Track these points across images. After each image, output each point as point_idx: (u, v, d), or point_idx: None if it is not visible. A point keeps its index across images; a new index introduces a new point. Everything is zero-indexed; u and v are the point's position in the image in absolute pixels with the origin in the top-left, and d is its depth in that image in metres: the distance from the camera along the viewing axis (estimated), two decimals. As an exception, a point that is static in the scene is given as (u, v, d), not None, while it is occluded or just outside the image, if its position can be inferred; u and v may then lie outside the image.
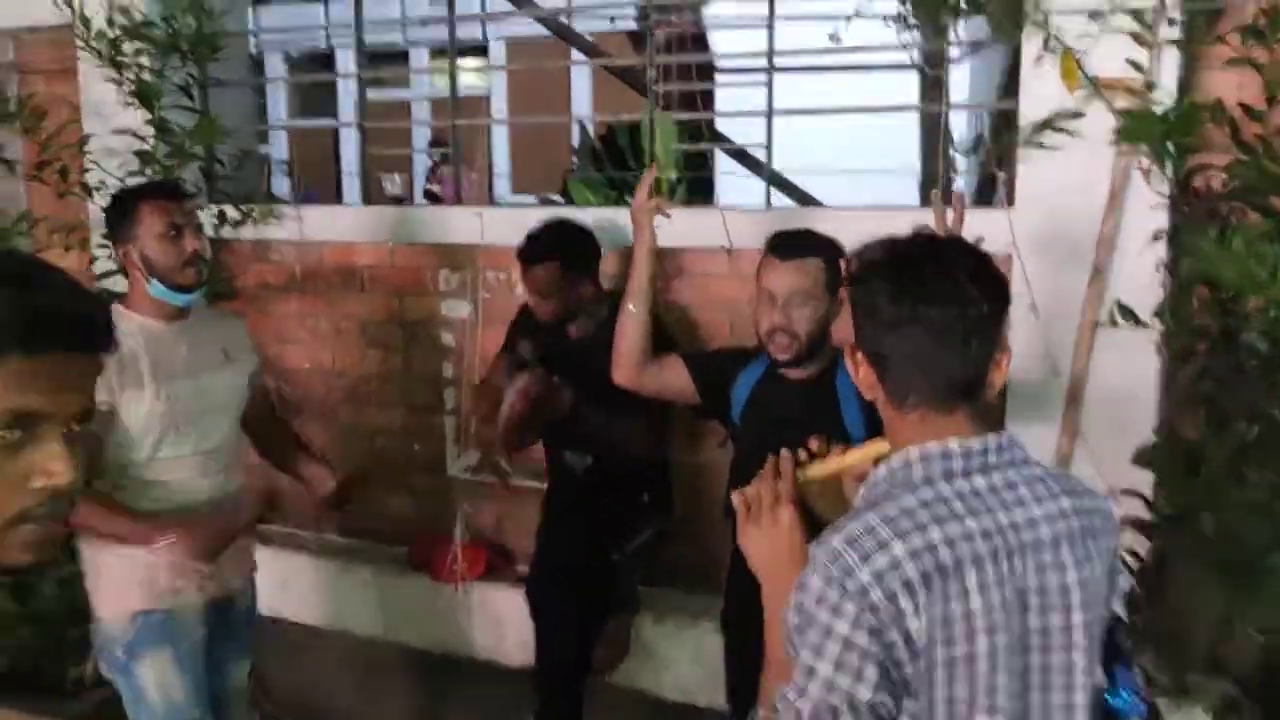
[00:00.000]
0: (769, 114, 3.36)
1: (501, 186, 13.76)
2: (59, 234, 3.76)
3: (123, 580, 2.56)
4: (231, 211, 3.79)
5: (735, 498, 1.48)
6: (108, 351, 1.02)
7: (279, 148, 15.09)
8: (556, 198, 9.88)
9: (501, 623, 3.58)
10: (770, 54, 3.36)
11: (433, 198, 9.90)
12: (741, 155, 6.20)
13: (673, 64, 4.26)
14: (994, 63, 7.09)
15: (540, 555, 3.23)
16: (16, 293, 0.95)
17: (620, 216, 2.94)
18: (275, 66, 14.93)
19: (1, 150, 3.57)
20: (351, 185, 11.47)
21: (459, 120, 3.78)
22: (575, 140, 10.10)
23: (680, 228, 3.28)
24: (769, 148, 3.48)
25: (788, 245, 2.38)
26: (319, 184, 10.95)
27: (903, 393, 1.35)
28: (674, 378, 2.63)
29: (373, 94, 4.07)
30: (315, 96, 14.64)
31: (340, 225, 3.89)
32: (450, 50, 3.81)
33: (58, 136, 3.65)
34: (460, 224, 3.61)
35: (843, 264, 1.47)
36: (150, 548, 2.53)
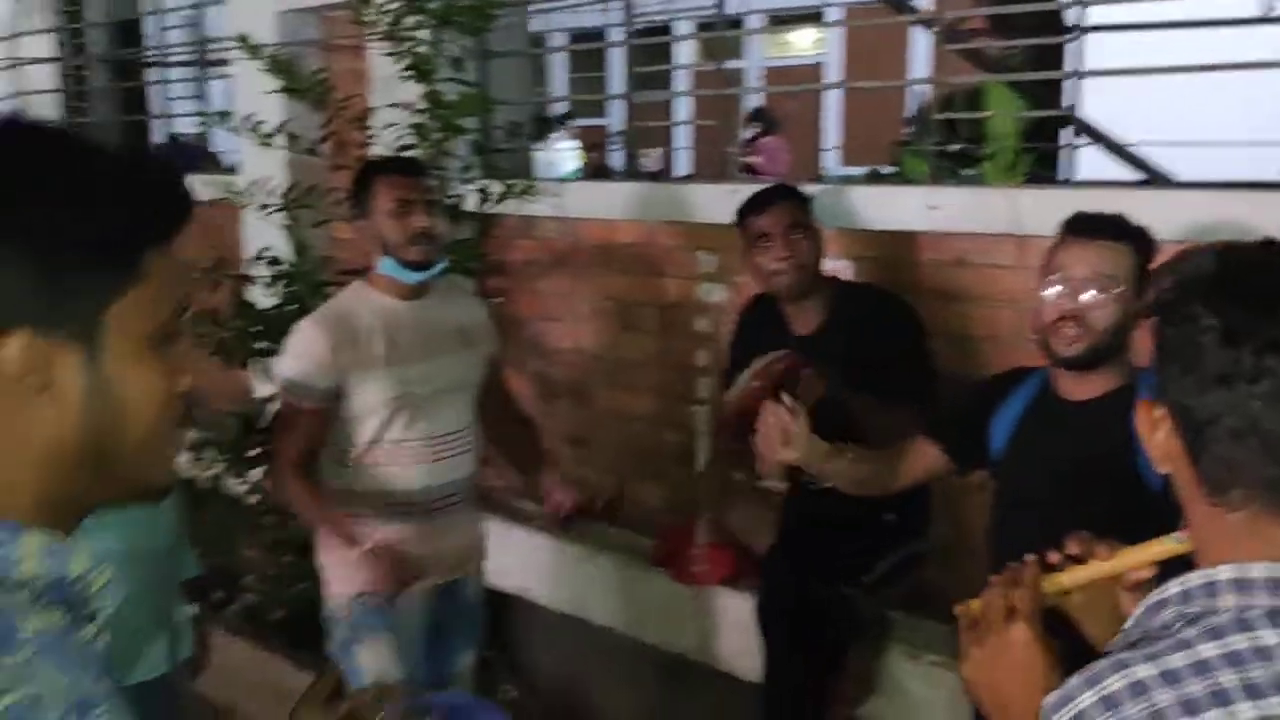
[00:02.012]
0: (1077, 74, 2.81)
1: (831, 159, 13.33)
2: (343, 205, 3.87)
3: (347, 561, 2.54)
4: (496, 187, 3.74)
5: (959, 610, 1.12)
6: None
7: (616, 120, 15.52)
8: (888, 169, 9.31)
9: (742, 633, 3.30)
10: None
11: (751, 171, 9.75)
12: (1087, 125, 5.46)
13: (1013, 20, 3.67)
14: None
15: (768, 577, 2.93)
16: (140, 176, 0.81)
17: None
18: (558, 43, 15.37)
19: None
20: (680, 157, 11.50)
21: (723, 90, 3.50)
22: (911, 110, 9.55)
23: (957, 208, 2.86)
24: (1072, 116, 2.91)
25: (1092, 224, 1.96)
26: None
27: (1225, 479, 0.91)
28: (932, 461, 2.28)
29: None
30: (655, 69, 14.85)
31: (597, 201, 3.73)
32: (719, 17, 3.54)
33: (341, 112, 3.74)
34: (717, 202, 3.33)
35: (1152, 272, 1.01)
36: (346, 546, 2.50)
